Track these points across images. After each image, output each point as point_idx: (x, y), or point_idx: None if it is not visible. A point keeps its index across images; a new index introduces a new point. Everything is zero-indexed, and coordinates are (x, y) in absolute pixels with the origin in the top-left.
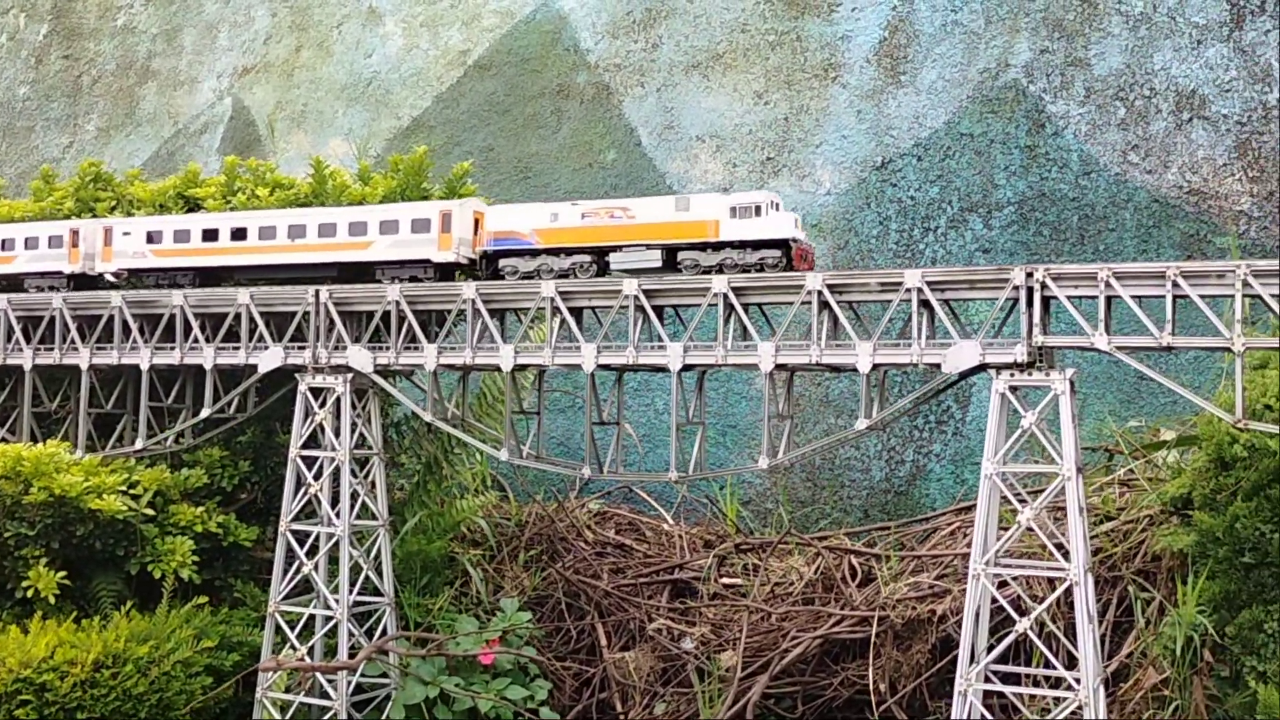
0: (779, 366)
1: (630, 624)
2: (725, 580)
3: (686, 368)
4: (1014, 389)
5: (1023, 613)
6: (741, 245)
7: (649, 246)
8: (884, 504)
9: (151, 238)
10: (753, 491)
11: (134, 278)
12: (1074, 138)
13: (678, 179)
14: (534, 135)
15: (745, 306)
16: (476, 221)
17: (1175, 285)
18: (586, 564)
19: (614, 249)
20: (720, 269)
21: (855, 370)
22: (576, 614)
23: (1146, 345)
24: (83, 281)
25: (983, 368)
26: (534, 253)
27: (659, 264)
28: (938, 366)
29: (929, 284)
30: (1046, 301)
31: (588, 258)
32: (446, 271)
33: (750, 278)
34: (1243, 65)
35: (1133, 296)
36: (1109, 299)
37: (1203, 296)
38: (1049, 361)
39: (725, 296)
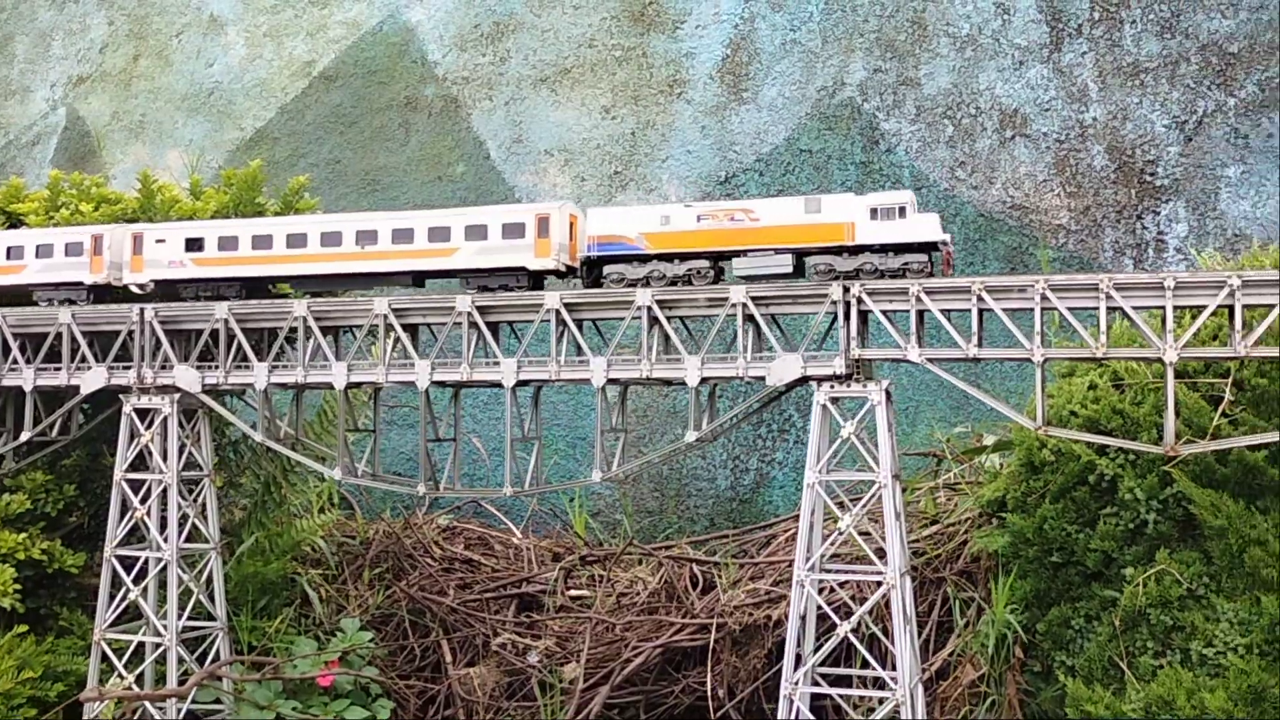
0: (611, 380)
1: (476, 639)
2: (571, 592)
3: (521, 383)
4: (834, 400)
5: (849, 616)
6: (883, 249)
7: (778, 251)
8: (729, 512)
9: (191, 245)
10: (602, 503)
11: (168, 290)
12: (906, 154)
13: (526, 192)
14: (382, 148)
15: (579, 323)
16: (571, 225)
17: (980, 300)
18: (433, 580)
19: (736, 254)
20: (857, 274)
21: (684, 384)
22: (421, 631)
23: (955, 357)
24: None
25: (805, 380)
26: (643, 258)
27: (789, 269)
28: (763, 379)
29: (753, 299)
30: (864, 315)
31: (705, 263)
32: (539, 280)
33: (574, 295)
34: (1061, 86)
35: (942, 310)
36: (920, 313)
37: (1006, 310)
38: (867, 373)
39: (557, 313)
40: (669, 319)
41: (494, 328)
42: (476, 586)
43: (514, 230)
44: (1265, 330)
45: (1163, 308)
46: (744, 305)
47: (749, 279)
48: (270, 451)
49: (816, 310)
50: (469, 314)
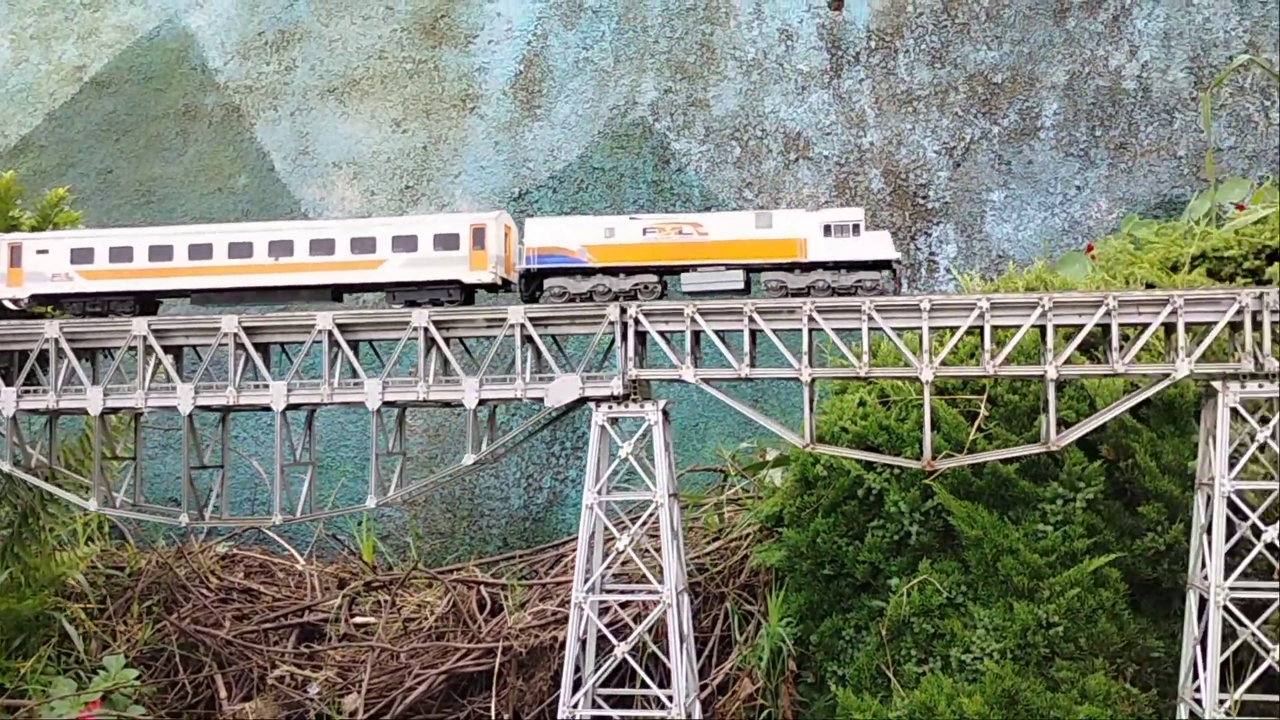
0: (388, 403)
1: (252, 673)
2: (356, 620)
3: (292, 407)
4: (613, 420)
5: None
6: (836, 266)
7: (728, 267)
8: (523, 531)
9: (79, 256)
10: (391, 525)
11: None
12: (695, 174)
13: (313, 205)
14: (158, 157)
15: (353, 343)
16: (506, 236)
17: (752, 321)
18: (207, 612)
19: (684, 269)
20: (809, 291)
21: (463, 406)
22: (194, 666)
23: (728, 376)
24: None
25: (584, 400)
26: (586, 271)
27: (740, 285)
28: (541, 400)
29: (531, 320)
30: (642, 336)
31: (653, 278)
32: (471, 295)
33: (353, 313)
34: (841, 111)
35: (715, 331)
36: (696, 334)
37: (776, 331)
38: (645, 393)
39: (329, 334)
40: (447, 340)
41: (264, 349)
42: (255, 617)
43: (447, 241)
44: (1013, 349)
45: (919, 328)
46: (522, 326)
47: (699, 294)
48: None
49: (595, 331)
50: (235, 334)
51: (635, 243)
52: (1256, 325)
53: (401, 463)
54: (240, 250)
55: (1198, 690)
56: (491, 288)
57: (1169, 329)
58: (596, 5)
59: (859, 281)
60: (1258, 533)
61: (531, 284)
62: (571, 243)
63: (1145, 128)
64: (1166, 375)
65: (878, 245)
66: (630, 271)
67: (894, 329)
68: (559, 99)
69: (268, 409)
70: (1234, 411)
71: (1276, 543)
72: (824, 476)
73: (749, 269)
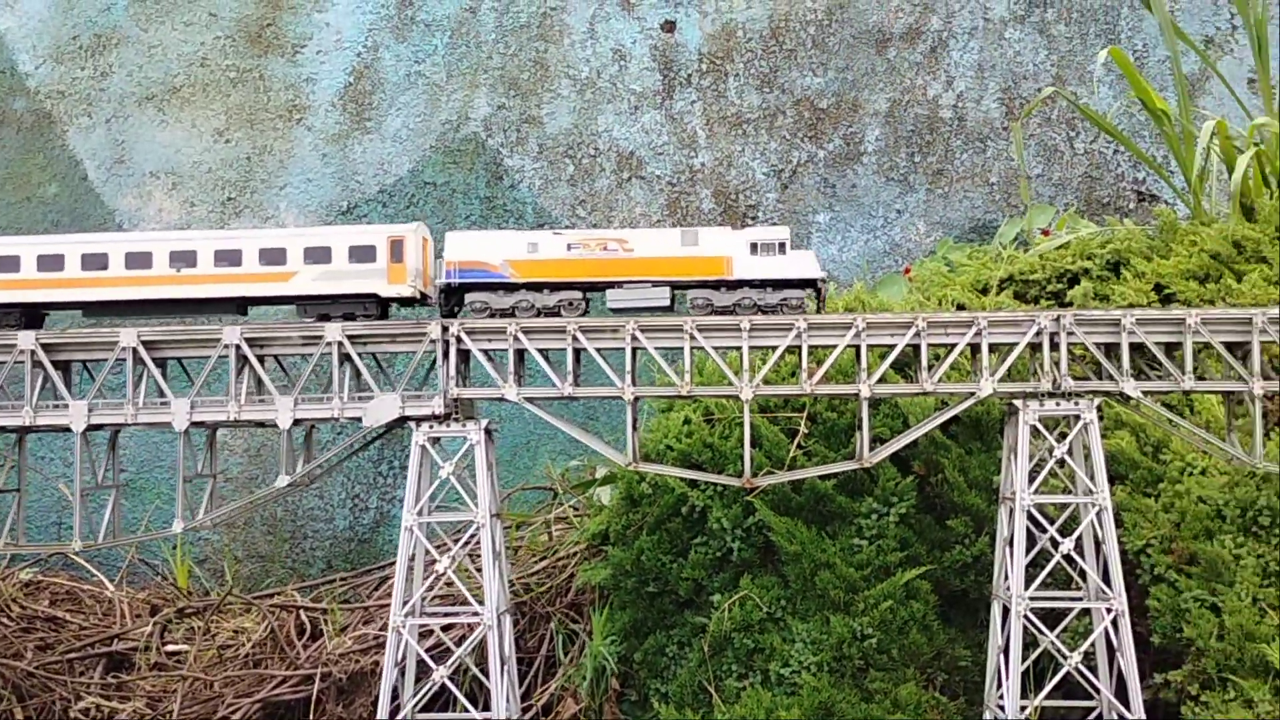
0: (196, 424)
1: (55, 705)
2: (168, 648)
3: (94, 427)
4: (435, 440)
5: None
6: (762, 285)
7: (655, 283)
8: (348, 553)
9: None
10: (209, 549)
11: None
12: (528, 191)
13: (129, 216)
14: None
15: (161, 361)
16: (424, 249)
17: (576, 340)
18: (7, 642)
19: (609, 285)
20: (735, 309)
21: (276, 426)
22: None
23: (551, 395)
24: None
25: (404, 420)
26: (509, 287)
27: (667, 303)
28: (359, 420)
29: (350, 337)
30: (465, 354)
31: (578, 294)
32: (386, 309)
33: (160, 330)
34: (673, 131)
35: (539, 350)
36: (519, 352)
37: (600, 350)
38: (468, 412)
39: (135, 351)
40: (261, 359)
41: (65, 367)
42: (60, 646)
43: (363, 253)
44: (832, 368)
45: (740, 348)
46: (340, 344)
47: (625, 311)
48: None
49: (416, 349)
50: (31, 351)
51: (560, 258)
52: (1054, 346)
53: (212, 485)
54: (138, 260)
55: (1001, 697)
56: (409, 302)
57: (975, 349)
58: (429, 19)
59: (784, 299)
60: (1057, 544)
61: (451, 299)
62: (493, 258)
63: (961, 155)
64: (972, 394)
65: (802, 264)
66: (555, 288)
67: (715, 348)
68: (390, 112)
69: (68, 430)
70: (1034, 428)
71: (1073, 554)
72: (649, 494)
73: (675, 286)
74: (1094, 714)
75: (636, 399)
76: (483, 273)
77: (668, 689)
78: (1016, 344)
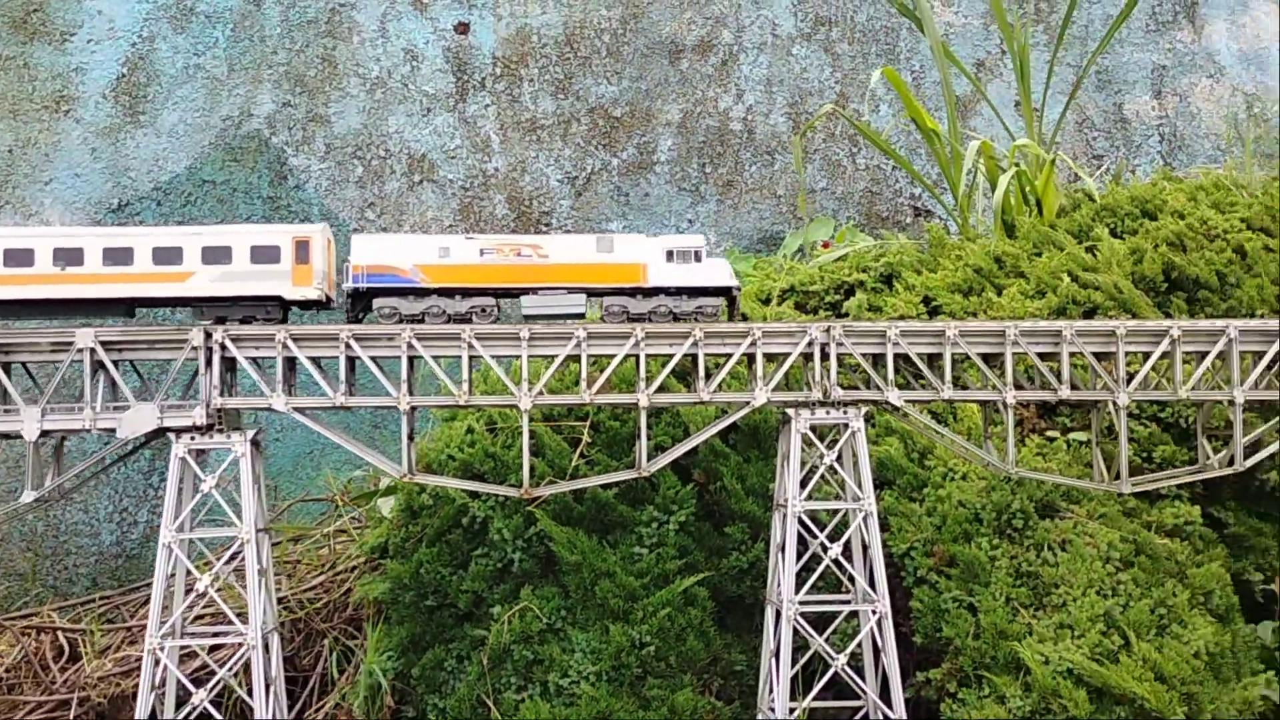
0: None
1: None
2: None
3: None
4: (199, 452)
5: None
6: (678, 292)
7: (570, 290)
8: (114, 570)
9: None
10: None
11: None
12: (315, 191)
13: None
14: None
15: None
16: (328, 251)
17: (349, 347)
18: None
19: (523, 291)
20: (650, 316)
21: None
22: None
23: (323, 405)
24: None
25: (163, 431)
26: (420, 292)
27: (583, 310)
28: (114, 431)
29: (103, 343)
30: (231, 362)
31: (490, 300)
32: (287, 313)
33: None
34: (466, 135)
35: (310, 358)
36: (289, 360)
37: (374, 358)
38: (233, 423)
39: None
40: (6, 366)
41: None
42: None
43: (266, 254)
44: (613, 376)
45: (519, 357)
46: (92, 350)
47: (538, 318)
48: None
49: (177, 356)
50: None
51: (472, 264)
52: (825, 357)
53: None
54: (18, 258)
55: (774, 700)
56: (315, 305)
57: (751, 359)
58: (210, 10)
59: (699, 308)
60: (827, 549)
61: (358, 304)
62: (403, 262)
63: (750, 167)
64: (747, 403)
65: (717, 272)
66: (467, 294)
67: (495, 357)
68: (166, 106)
69: None
70: (805, 437)
71: (841, 559)
72: (430, 505)
73: (591, 293)
74: (861, 713)
75: (414, 409)
76: (392, 277)
77: (445, 704)
78: (790, 354)
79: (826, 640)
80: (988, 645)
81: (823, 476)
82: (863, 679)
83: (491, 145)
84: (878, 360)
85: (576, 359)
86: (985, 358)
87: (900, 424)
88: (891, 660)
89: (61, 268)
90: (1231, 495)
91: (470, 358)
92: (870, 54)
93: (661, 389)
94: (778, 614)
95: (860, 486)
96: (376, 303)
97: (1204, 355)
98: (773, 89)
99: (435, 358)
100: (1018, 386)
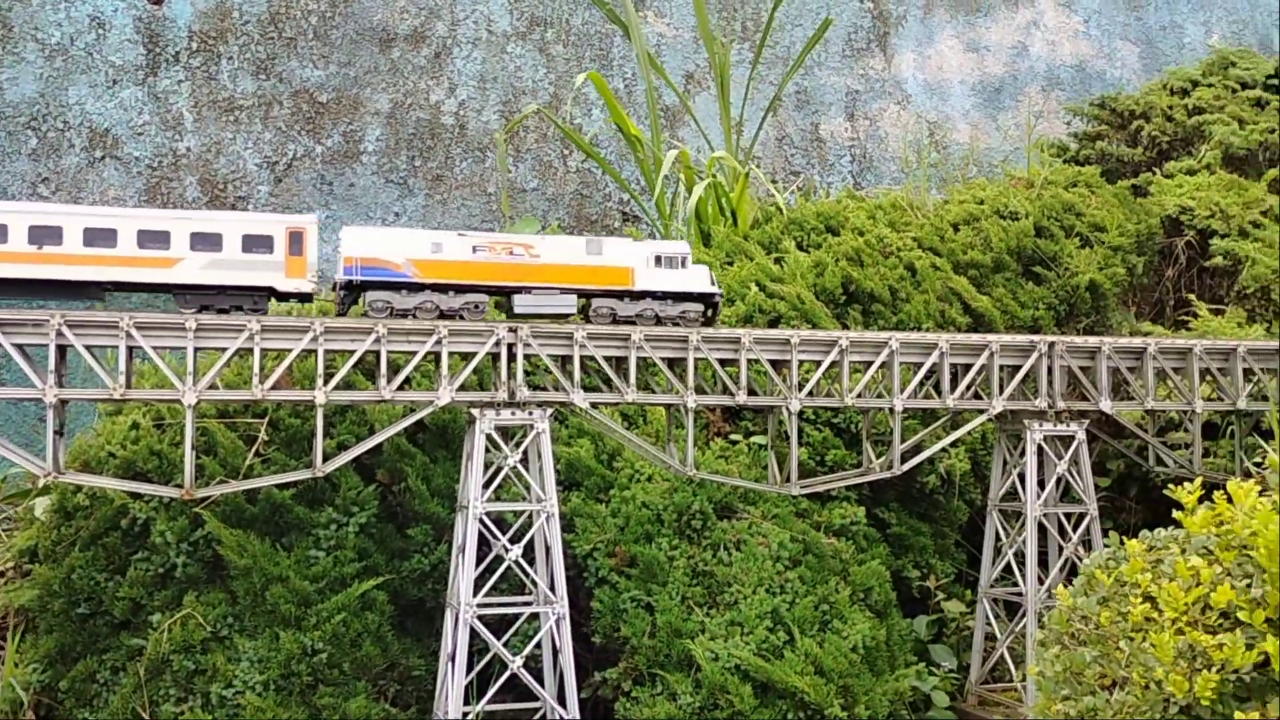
0: None
1: None
2: None
3: None
4: None
5: None
6: (664, 296)
7: (563, 290)
8: None
9: None
10: None
11: None
12: None
13: None
14: None
15: None
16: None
17: (60, 333)
18: None
19: (515, 290)
20: (637, 319)
21: None
22: None
23: None
24: None
25: None
26: (413, 287)
27: (574, 310)
28: None
29: None
30: None
31: (484, 297)
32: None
33: None
34: (156, 111)
35: None
36: None
37: (17, 345)
38: None
39: None
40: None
41: None
42: None
43: (259, 243)
44: (296, 372)
45: (185, 349)
46: None
47: (530, 317)
48: None
49: None
50: None
51: (465, 260)
52: (512, 357)
53: None
54: None
55: (448, 704)
56: (302, 297)
57: (437, 358)
58: None
59: (683, 312)
60: (509, 551)
61: (350, 296)
62: (396, 256)
63: (461, 163)
64: (431, 402)
65: (700, 279)
66: (461, 290)
67: (156, 348)
68: None
69: None
70: (490, 437)
71: (523, 561)
72: (86, 506)
73: (582, 294)
74: (539, 715)
75: (64, 402)
76: (386, 271)
77: (96, 718)
78: (477, 354)
79: (506, 643)
80: (663, 644)
81: (508, 477)
82: (543, 681)
83: (184, 123)
84: (565, 362)
85: (250, 352)
86: (669, 362)
87: (593, 426)
88: (567, 660)
89: (39, 247)
90: (895, 497)
91: (129, 348)
92: (585, 58)
93: (347, 386)
94: (456, 617)
95: (544, 488)
96: (369, 296)
97: (869, 365)
98: (486, 86)
99: (89, 347)
100: (699, 391)
